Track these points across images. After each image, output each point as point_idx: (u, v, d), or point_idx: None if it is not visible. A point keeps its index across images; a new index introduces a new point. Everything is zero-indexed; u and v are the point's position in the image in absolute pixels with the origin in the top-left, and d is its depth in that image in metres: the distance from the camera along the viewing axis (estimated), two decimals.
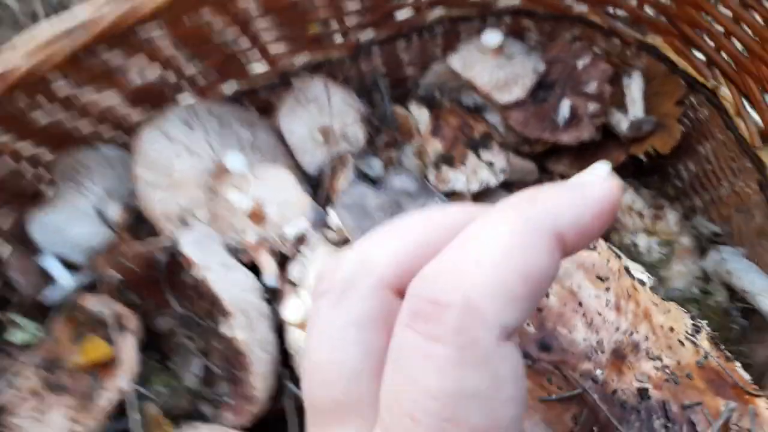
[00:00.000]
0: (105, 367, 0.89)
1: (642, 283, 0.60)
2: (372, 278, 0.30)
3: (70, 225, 1.01)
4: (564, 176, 1.16)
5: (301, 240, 0.92)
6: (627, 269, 0.59)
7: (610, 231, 1.03)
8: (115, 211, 1.02)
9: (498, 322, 0.26)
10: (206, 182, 1.01)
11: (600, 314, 0.56)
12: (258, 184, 0.96)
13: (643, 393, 0.52)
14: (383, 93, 1.19)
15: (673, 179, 1.18)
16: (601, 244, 0.60)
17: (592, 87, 1.12)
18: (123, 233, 1.02)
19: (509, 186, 1.14)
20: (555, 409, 0.51)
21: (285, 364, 0.85)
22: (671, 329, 0.56)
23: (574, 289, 0.56)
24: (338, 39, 1.15)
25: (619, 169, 1.12)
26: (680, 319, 0.57)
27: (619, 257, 0.59)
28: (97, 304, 0.93)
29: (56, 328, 0.93)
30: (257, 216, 0.92)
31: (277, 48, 1.12)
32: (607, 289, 0.57)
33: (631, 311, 0.57)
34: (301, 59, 1.16)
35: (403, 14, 1.15)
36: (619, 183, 0.31)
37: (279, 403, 0.86)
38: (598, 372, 0.53)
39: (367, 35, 1.16)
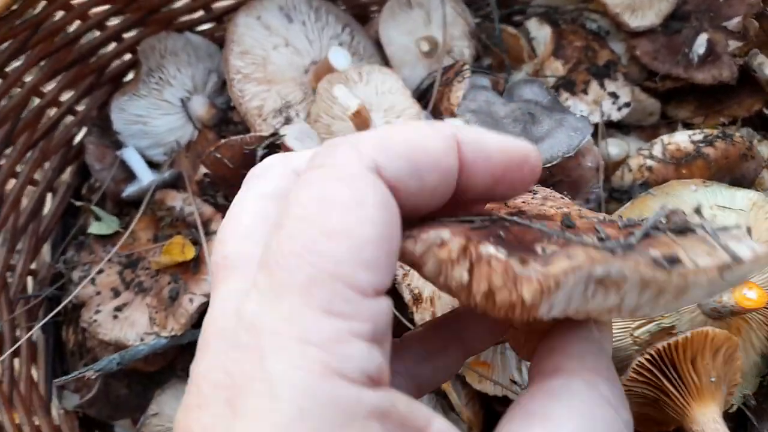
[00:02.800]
0: (187, 268, 0.82)
1: None
2: (286, 166, 0.35)
3: (153, 116, 0.93)
4: (687, 124, 1.04)
5: None
6: None
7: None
8: (201, 105, 0.94)
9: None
10: (303, 79, 0.92)
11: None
12: (363, 86, 0.86)
13: None
14: (493, 8, 1.08)
15: None
16: None
17: (734, 22, 0.99)
18: (207, 130, 0.94)
19: (625, 128, 1.03)
20: None
21: None
22: None
23: None
24: None
25: (749, 120, 1.01)
26: None
27: None
28: (180, 202, 0.85)
29: (136, 224, 0.85)
30: (361, 119, 0.83)
31: None
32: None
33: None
34: None
35: None
36: None
37: None
38: None
39: None
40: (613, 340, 0.76)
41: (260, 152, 0.78)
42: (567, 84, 0.94)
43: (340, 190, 0.29)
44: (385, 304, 0.29)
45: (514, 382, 0.77)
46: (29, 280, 0.92)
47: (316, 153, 0.31)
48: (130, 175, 0.94)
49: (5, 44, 0.71)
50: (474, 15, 1.11)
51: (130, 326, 0.82)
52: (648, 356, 0.68)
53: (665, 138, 0.81)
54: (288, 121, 0.79)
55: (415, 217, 0.34)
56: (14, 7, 0.64)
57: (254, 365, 0.27)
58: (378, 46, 1.07)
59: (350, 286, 0.28)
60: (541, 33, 0.98)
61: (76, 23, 0.79)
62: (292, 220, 0.29)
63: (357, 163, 0.30)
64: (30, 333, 0.81)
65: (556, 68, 0.95)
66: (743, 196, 0.79)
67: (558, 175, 0.81)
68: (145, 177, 0.91)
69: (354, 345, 0.27)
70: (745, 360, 0.75)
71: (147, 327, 0.83)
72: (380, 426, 0.27)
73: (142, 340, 0.82)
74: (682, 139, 0.80)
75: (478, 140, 0.34)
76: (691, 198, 0.80)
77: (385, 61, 1.06)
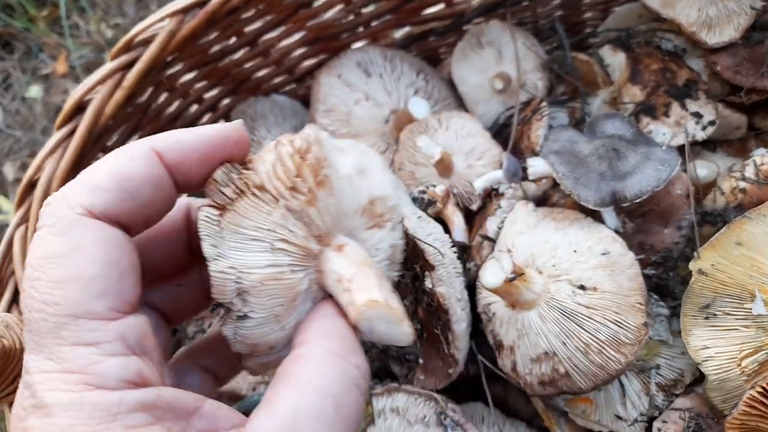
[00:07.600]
0: None
1: None
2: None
3: None
4: None
5: (494, 194, 0.84)
6: None
7: None
8: None
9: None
10: (384, 129, 0.96)
11: None
12: (443, 132, 0.89)
13: None
14: (562, 38, 1.09)
15: None
16: None
17: None
18: None
19: (710, 143, 1.01)
20: None
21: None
22: None
23: None
24: None
25: None
26: None
27: None
28: None
29: None
30: (445, 165, 0.85)
31: None
32: None
33: None
34: None
35: None
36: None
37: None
38: None
39: None
40: (720, 371, 0.75)
41: None
42: (647, 109, 0.94)
43: (60, 245, 0.36)
44: (133, 320, 0.37)
45: (620, 418, 0.77)
46: None
47: (40, 213, 0.38)
48: None
49: (120, 129, 0.79)
50: (543, 44, 1.12)
51: (242, 377, 0.88)
52: (760, 389, 0.66)
53: (758, 159, 0.80)
54: None
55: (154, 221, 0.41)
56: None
57: (34, 402, 0.34)
58: (451, 86, 1.10)
59: (90, 318, 0.35)
60: (615, 60, 0.98)
61: (178, 101, 0.87)
62: (29, 281, 0.36)
63: (69, 213, 0.36)
64: None
65: (634, 94, 0.95)
66: None
67: (647, 205, 0.81)
68: None
69: (107, 363, 0.35)
70: None
71: (258, 376, 0.88)
72: (147, 414, 0.34)
73: (254, 389, 0.88)
74: None
75: (176, 140, 0.39)
76: None
77: (459, 101, 1.09)
